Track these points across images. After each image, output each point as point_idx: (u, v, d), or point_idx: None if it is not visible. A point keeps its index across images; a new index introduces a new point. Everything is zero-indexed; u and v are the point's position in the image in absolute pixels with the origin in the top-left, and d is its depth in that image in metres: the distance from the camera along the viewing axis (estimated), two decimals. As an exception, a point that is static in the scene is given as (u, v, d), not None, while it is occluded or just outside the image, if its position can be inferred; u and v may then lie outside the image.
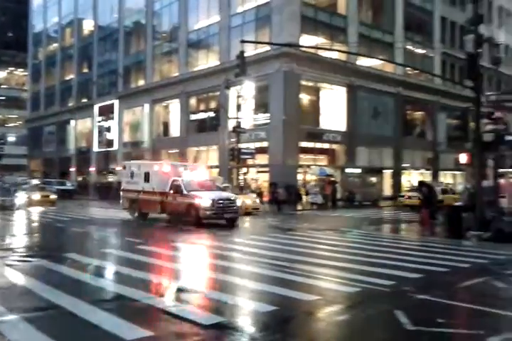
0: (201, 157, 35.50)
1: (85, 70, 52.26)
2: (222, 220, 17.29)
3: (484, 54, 20.31)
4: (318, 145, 31.54)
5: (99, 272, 8.68)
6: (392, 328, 5.73)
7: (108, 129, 45.07)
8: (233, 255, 10.67)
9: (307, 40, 29.79)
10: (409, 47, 37.48)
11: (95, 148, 47.48)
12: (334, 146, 32.71)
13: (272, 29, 29.84)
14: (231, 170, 30.66)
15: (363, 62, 32.59)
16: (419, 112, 39.67)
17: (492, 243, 13.00)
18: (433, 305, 6.70)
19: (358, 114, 33.00)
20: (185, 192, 17.30)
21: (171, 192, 17.75)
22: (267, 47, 29.30)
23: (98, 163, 46.69)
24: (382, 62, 31.79)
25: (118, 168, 19.93)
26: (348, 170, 31.98)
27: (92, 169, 47.38)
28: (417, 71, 35.68)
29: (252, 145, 29.03)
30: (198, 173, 19.25)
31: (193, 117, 36.87)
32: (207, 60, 35.56)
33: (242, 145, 27.33)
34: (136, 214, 19.46)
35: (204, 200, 16.63)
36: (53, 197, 28.88)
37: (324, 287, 7.61)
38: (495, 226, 13.81)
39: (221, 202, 16.86)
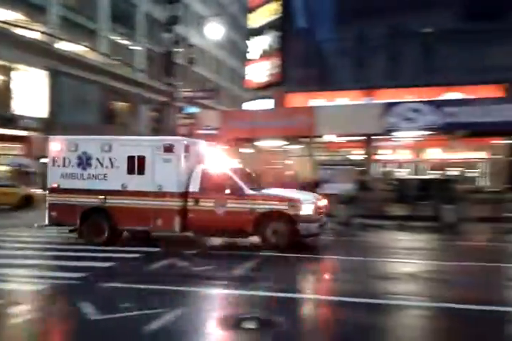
0: None
1: None
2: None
3: (183, 53, 22.23)
4: (12, 132, 28.33)
5: None
6: (76, 320, 5.64)
7: None
8: None
9: (-1, 13, 26.23)
10: (115, 37, 37.50)
11: None
12: (33, 134, 30.03)
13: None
14: None
15: (66, 46, 30.84)
16: (124, 103, 40.27)
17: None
18: (120, 291, 6.91)
19: (60, 101, 31.12)
20: (248, 191, 10.30)
21: (226, 193, 10.26)
22: None
23: None
24: (87, 49, 30.83)
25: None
26: (44, 160, 29.86)
27: None
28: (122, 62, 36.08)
29: None
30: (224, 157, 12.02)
31: None
32: None
33: None
34: (106, 236, 10.75)
35: (306, 206, 10.11)
36: None
37: (6, 289, 6.93)
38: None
39: (321, 207, 10.74)
